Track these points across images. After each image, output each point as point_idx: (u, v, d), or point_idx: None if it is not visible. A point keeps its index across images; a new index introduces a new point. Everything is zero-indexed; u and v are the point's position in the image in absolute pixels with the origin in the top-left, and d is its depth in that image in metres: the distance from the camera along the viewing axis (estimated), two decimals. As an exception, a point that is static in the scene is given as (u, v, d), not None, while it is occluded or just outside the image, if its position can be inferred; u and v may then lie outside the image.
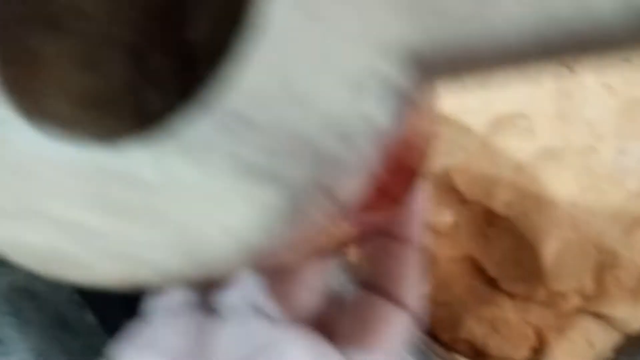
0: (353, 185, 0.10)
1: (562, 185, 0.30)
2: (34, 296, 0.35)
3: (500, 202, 0.30)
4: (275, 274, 0.17)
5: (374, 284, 0.18)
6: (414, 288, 0.18)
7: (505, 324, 0.29)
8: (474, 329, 0.29)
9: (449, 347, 0.30)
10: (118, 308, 0.32)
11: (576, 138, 0.30)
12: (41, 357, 0.32)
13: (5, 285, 0.34)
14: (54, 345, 0.33)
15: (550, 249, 0.29)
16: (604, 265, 0.30)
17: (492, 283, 0.30)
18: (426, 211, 0.20)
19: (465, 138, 0.31)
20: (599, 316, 0.30)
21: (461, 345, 0.29)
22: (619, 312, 0.30)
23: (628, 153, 0.30)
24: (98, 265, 0.09)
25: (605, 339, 0.30)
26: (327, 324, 0.18)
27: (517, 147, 0.31)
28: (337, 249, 0.18)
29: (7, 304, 0.33)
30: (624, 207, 0.30)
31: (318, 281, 0.18)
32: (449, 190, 0.31)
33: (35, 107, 0.11)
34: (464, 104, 0.31)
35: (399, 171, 0.16)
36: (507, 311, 0.29)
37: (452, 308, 0.30)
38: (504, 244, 0.30)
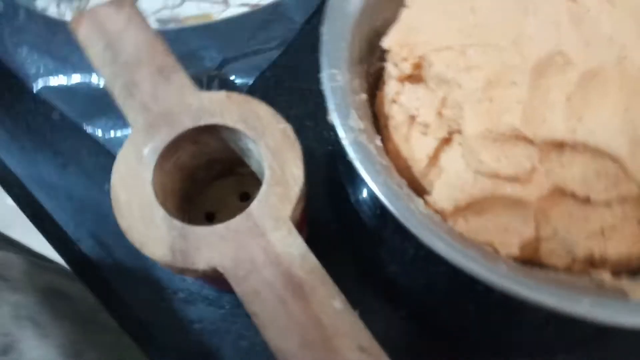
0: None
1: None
2: (67, 297, 0.38)
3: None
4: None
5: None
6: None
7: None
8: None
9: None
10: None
11: None
12: (75, 348, 0.35)
13: (42, 284, 0.37)
14: (87, 338, 0.36)
15: None
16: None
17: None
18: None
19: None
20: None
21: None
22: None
23: None
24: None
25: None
26: None
27: None
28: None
29: (41, 303, 0.36)
30: None
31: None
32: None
33: None
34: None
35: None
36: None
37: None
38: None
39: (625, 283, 0.27)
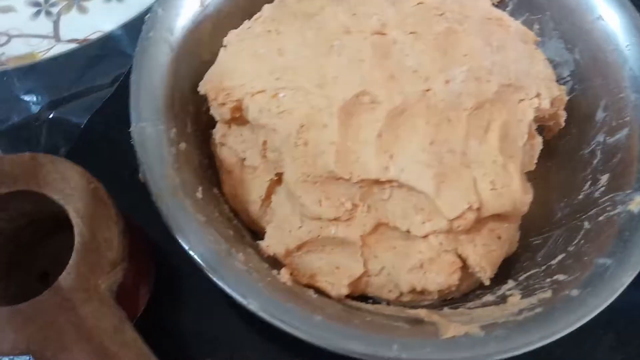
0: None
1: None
2: None
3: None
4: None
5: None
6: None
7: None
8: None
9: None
10: None
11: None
12: None
13: None
14: None
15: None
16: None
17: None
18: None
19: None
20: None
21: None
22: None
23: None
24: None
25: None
26: None
27: None
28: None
29: None
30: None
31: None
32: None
33: None
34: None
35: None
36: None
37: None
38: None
39: (439, 320, 0.28)
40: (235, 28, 0.35)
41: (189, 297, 0.39)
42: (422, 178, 0.29)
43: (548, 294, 0.29)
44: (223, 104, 0.32)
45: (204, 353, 0.37)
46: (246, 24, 0.34)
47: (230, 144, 0.34)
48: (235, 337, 0.38)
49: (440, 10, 0.33)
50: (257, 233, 0.35)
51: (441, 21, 0.32)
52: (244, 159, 0.33)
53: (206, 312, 0.38)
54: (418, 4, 0.33)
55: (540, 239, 0.35)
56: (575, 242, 0.32)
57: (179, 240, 0.28)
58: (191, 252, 0.28)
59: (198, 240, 0.28)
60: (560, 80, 0.39)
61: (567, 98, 0.36)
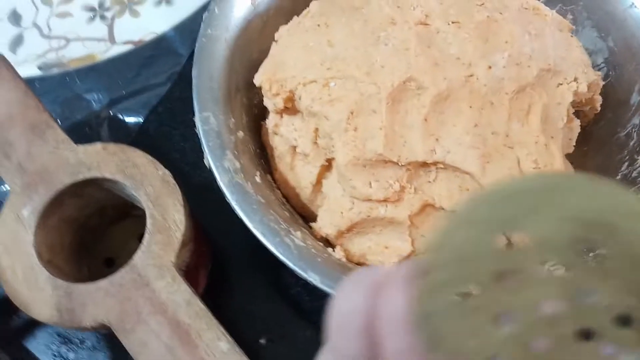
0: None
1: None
2: None
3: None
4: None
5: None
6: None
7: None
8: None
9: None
10: None
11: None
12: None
13: None
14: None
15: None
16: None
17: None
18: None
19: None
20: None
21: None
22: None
23: None
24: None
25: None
26: None
27: None
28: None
29: None
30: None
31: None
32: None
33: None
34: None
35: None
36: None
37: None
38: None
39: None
40: (286, 22, 0.37)
41: (240, 282, 0.41)
42: (468, 159, 0.31)
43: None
44: (277, 94, 0.34)
45: (257, 332, 0.39)
46: (295, 19, 0.36)
47: (283, 132, 0.36)
48: (283, 317, 0.40)
49: (481, 0, 0.34)
50: (307, 218, 0.37)
51: (482, 11, 0.34)
52: (295, 147, 0.36)
53: (255, 296, 0.41)
54: (459, -6, 0.35)
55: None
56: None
57: (244, 219, 0.30)
58: (254, 230, 0.30)
59: (259, 219, 0.30)
60: (594, 67, 0.40)
61: (602, 83, 0.37)
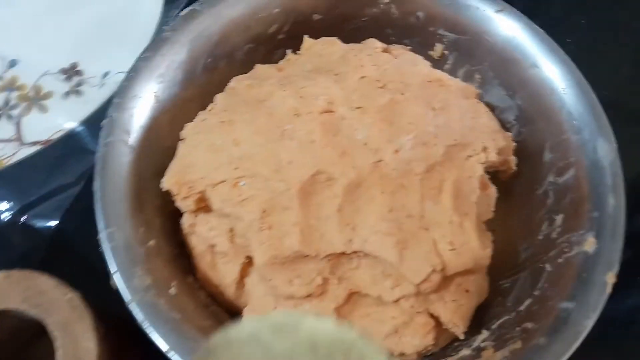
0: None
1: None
2: None
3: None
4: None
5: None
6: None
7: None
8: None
9: None
10: None
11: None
12: None
13: None
14: None
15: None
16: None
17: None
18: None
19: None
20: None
21: None
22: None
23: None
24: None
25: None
26: None
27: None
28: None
29: None
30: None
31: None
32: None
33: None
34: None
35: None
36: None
37: None
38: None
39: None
40: (192, 116, 0.36)
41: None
42: (385, 247, 0.31)
43: (518, 344, 0.30)
44: (187, 197, 0.33)
45: None
46: (200, 115, 0.36)
47: (199, 232, 0.35)
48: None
49: (382, 82, 0.35)
50: (236, 316, 0.35)
51: (384, 93, 0.34)
52: (214, 246, 0.34)
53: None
54: (361, 78, 0.35)
55: (509, 282, 0.36)
56: (539, 285, 0.33)
57: (157, 343, 0.29)
58: (169, 354, 0.28)
59: (175, 340, 0.29)
60: (506, 124, 0.41)
61: (514, 144, 0.38)
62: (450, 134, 0.34)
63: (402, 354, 0.32)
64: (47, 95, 0.47)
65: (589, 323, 0.29)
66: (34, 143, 0.44)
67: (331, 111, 0.34)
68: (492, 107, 0.40)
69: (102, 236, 0.31)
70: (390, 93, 0.34)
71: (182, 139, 0.35)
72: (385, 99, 0.34)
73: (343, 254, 0.32)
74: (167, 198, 0.37)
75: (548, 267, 0.34)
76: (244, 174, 0.32)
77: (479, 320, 0.35)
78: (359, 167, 0.32)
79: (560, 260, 0.33)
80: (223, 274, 0.35)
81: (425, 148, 0.33)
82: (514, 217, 0.40)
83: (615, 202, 0.32)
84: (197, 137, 0.34)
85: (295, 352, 0.13)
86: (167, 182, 0.33)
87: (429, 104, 0.34)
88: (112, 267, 0.30)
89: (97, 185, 0.32)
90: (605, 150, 0.34)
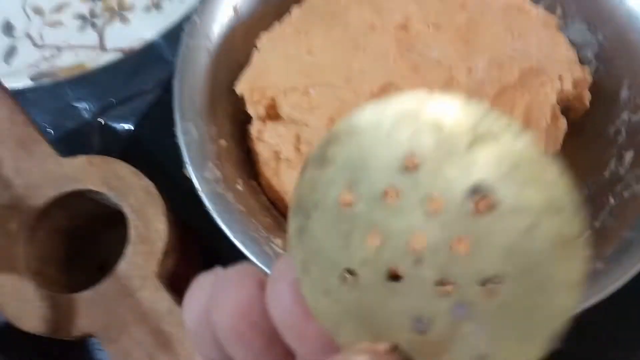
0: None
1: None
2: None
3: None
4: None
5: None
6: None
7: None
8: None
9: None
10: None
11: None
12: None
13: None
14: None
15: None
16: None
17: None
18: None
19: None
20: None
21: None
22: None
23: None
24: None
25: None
26: None
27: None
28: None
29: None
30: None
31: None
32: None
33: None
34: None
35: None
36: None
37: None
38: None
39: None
40: (268, 28, 0.37)
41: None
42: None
43: (574, 269, 0.30)
44: (258, 102, 0.34)
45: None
46: (276, 26, 0.36)
47: (266, 139, 0.36)
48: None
49: (461, 1, 0.34)
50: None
51: (462, 12, 0.34)
52: (279, 153, 0.36)
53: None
54: (439, -4, 0.34)
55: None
56: (601, 218, 0.33)
57: (223, 229, 0.30)
58: (234, 239, 0.30)
59: (239, 228, 0.31)
60: (584, 62, 0.39)
61: (590, 79, 0.37)
62: (526, 59, 0.33)
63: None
64: (130, 8, 0.49)
65: (650, 253, 0.29)
66: (116, 50, 0.46)
67: (407, 27, 0.34)
68: (571, 44, 0.39)
69: (178, 129, 0.33)
70: (469, 12, 0.34)
71: (257, 48, 0.36)
72: (463, 18, 0.33)
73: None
74: (238, 106, 0.38)
75: (612, 200, 0.33)
76: (315, 82, 0.33)
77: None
78: (430, 83, 0.32)
79: (625, 193, 0.32)
80: (286, 180, 0.36)
81: (500, 70, 0.32)
82: (580, 155, 0.39)
83: (693, 139, 0.31)
84: (271, 46, 0.35)
85: (417, 137, 0.12)
86: (241, 87, 0.35)
87: (507, 28, 0.34)
88: (186, 158, 0.32)
89: (177, 84, 0.34)
90: (688, 86, 0.33)
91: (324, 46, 0.33)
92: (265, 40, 0.36)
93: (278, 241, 0.31)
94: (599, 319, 0.36)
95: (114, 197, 0.33)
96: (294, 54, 0.34)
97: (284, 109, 0.33)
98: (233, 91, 0.37)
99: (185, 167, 0.32)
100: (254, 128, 0.37)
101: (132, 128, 0.44)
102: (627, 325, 0.37)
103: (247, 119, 0.38)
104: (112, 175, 0.33)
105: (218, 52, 0.36)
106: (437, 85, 0.32)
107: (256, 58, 0.36)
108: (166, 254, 0.32)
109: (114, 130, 0.44)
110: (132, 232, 0.32)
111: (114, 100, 0.44)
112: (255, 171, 0.38)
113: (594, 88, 0.38)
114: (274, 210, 0.37)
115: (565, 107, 0.38)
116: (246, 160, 0.38)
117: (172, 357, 0.29)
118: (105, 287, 0.31)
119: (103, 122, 0.44)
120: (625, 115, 0.36)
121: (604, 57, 0.38)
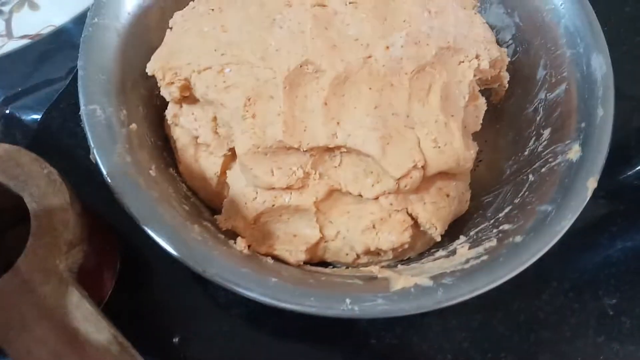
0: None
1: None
2: None
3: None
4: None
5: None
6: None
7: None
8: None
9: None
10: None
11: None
12: None
13: None
14: None
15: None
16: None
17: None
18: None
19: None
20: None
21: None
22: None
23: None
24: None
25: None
26: None
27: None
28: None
29: None
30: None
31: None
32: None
33: None
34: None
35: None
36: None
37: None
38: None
39: (391, 275, 0.29)
40: (183, 8, 0.35)
41: (153, 278, 0.39)
42: (368, 141, 0.30)
43: (494, 242, 0.30)
44: (171, 83, 0.33)
45: (171, 331, 0.37)
46: (191, 4, 0.35)
47: (183, 123, 0.34)
48: (198, 313, 0.38)
49: (379, -21, 0.34)
50: (217, 210, 0.35)
51: (379, -10, 0.33)
52: (197, 137, 0.34)
53: (171, 291, 0.39)
54: (357, -26, 0.34)
55: (491, 197, 0.36)
56: (521, 194, 0.33)
57: (133, 216, 0.28)
58: (144, 227, 0.28)
59: (151, 215, 0.29)
60: (503, 44, 0.40)
61: (508, 60, 0.37)
62: (443, 37, 0.33)
63: (378, 250, 0.32)
64: (39, -8, 0.46)
65: (566, 224, 0.29)
66: (23, 37, 0.43)
67: (324, 5, 0.33)
68: (489, 27, 0.39)
69: (84, 112, 0.31)
70: (385, -10, 0.33)
71: (170, 28, 0.34)
72: (379, -4, 0.33)
73: (326, 149, 0.32)
74: (153, 91, 0.36)
75: (531, 177, 0.33)
76: (230, 60, 0.31)
77: (457, 230, 0.35)
78: (348, 61, 0.31)
79: (543, 169, 0.33)
80: (206, 166, 0.35)
81: (417, 47, 0.32)
82: (502, 138, 0.39)
83: (603, 113, 0.32)
84: (185, 24, 0.33)
85: None
86: (152, 67, 0.33)
87: (425, 6, 0.34)
88: (90, 141, 0.30)
89: (81, 64, 0.32)
90: (598, 63, 0.33)
91: (239, 23, 0.32)
92: (178, 19, 0.34)
93: (195, 227, 0.30)
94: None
95: (13, 186, 0.30)
96: (208, 31, 0.32)
97: (198, 89, 0.32)
98: (147, 75, 0.35)
99: (92, 151, 0.30)
100: (170, 112, 0.35)
101: (41, 118, 0.41)
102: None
103: (164, 104, 0.37)
104: (11, 163, 0.30)
105: (129, 33, 0.34)
106: (355, 64, 0.31)
107: (169, 37, 0.34)
108: (71, 246, 0.29)
109: (20, 120, 0.41)
110: (34, 224, 0.29)
111: (20, 89, 0.41)
112: (174, 159, 0.36)
113: (513, 69, 0.38)
114: (195, 198, 0.35)
115: (487, 90, 0.39)
116: (163, 147, 0.36)
117: (79, 354, 0.27)
118: (3, 283, 0.28)
119: (8, 113, 0.41)
120: (542, 94, 0.37)
121: (521, 39, 0.39)
